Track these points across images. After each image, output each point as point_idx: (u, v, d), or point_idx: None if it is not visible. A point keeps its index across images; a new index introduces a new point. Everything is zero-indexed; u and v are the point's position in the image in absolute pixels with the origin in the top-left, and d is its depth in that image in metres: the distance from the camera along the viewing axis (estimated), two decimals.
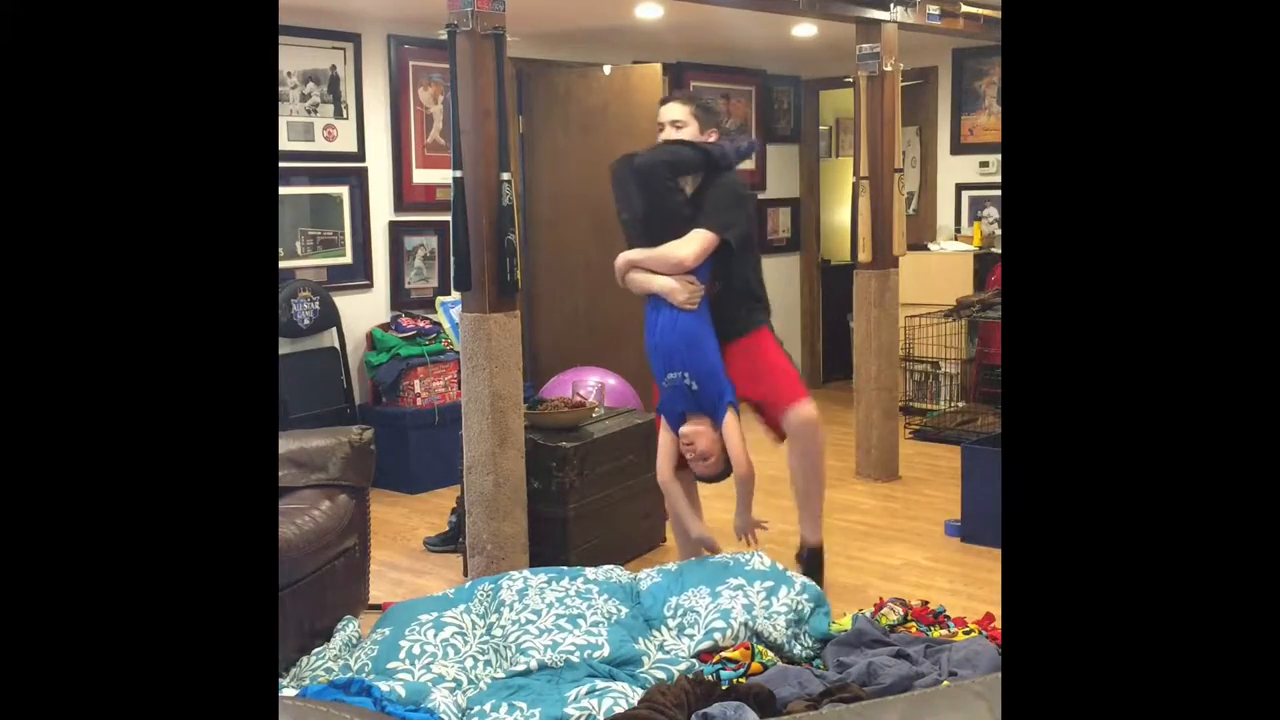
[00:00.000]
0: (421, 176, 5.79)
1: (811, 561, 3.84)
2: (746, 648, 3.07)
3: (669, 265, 3.45)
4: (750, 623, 3.13)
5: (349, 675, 2.91)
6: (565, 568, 3.47)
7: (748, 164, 7.43)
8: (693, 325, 3.46)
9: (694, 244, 3.42)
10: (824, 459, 3.77)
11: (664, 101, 3.66)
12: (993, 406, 6.36)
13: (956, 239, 7.02)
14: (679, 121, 3.54)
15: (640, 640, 3.11)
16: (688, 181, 3.48)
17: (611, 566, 3.50)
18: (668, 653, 3.10)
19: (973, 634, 3.18)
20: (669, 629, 3.21)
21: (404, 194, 5.73)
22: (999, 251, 6.72)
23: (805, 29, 6.06)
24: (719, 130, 3.62)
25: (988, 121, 6.99)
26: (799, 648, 3.14)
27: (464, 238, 3.63)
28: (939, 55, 7.00)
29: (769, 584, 3.28)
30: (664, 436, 3.66)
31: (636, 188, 3.50)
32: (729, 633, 3.11)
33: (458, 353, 4.66)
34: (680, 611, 3.24)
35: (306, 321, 5.26)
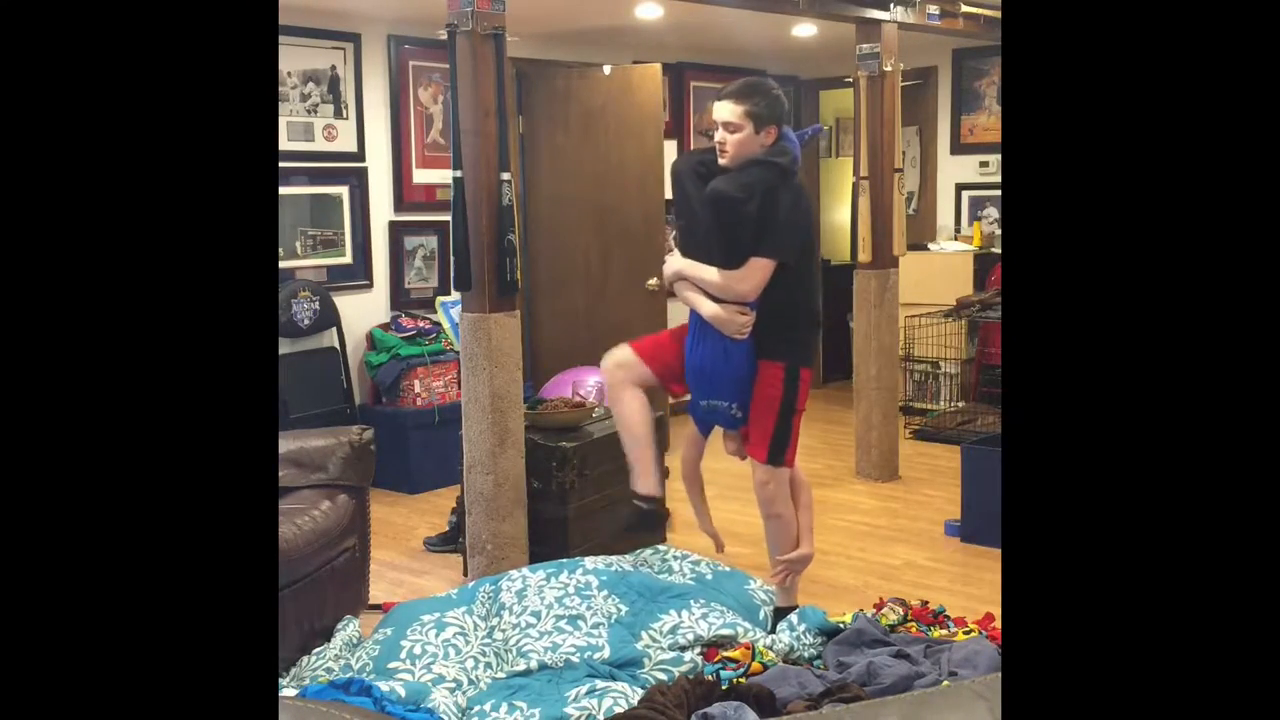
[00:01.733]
0: (421, 176, 5.79)
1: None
2: (747, 648, 3.08)
3: (730, 295, 3.24)
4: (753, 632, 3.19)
5: (349, 675, 2.91)
6: (564, 560, 3.48)
7: None
8: (741, 356, 3.29)
9: (756, 277, 3.20)
10: (785, 516, 3.43)
11: (719, 97, 3.30)
12: (993, 406, 6.35)
13: (956, 239, 7.02)
14: (731, 124, 3.22)
15: (648, 628, 3.12)
16: (755, 201, 3.21)
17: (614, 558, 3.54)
18: (675, 633, 3.12)
19: (973, 634, 3.18)
20: (688, 612, 3.23)
21: (404, 194, 5.73)
22: (999, 251, 6.72)
23: (805, 29, 6.07)
24: (778, 127, 3.28)
25: (988, 121, 6.99)
26: (801, 646, 3.15)
27: (464, 238, 3.63)
28: (939, 55, 7.00)
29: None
30: (691, 436, 3.57)
31: (705, 211, 3.26)
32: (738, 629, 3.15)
33: (458, 353, 4.66)
34: (704, 601, 3.30)
35: (306, 321, 5.26)
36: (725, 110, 3.23)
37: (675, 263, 3.37)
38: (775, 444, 3.32)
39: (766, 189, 3.18)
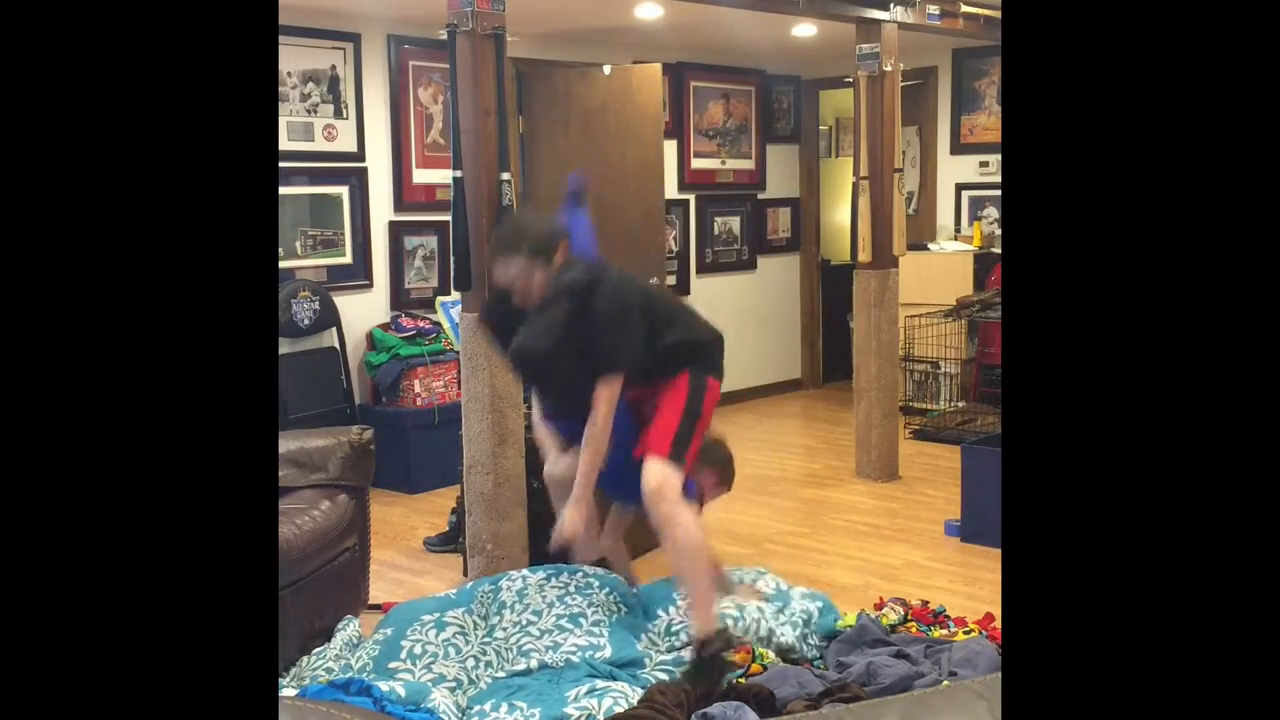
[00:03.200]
0: (421, 176, 5.79)
1: (705, 660, 2.91)
2: (747, 649, 3.08)
3: (601, 444, 3.05)
4: (759, 627, 3.15)
5: (349, 675, 2.91)
6: (563, 564, 3.47)
7: (746, 164, 7.46)
8: (621, 455, 3.08)
9: (601, 407, 3.00)
10: (679, 535, 2.98)
11: (489, 257, 3.20)
12: (993, 406, 6.35)
13: (956, 239, 7.02)
14: (520, 276, 3.06)
15: (646, 629, 3.11)
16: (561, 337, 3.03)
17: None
18: (674, 634, 3.11)
19: (973, 634, 3.18)
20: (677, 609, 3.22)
21: (404, 194, 5.73)
22: (999, 251, 6.72)
23: (805, 29, 6.07)
24: (564, 243, 3.12)
25: (988, 121, 6.98)
26: (807, 648, 3.16)
27: (464, 238, 3.63)
28: (939, 55, 7.00)
29: (777, 605, 3.31)
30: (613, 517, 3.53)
31: (545, 376, 3.17)
32: (740, 624, 3.12)
33: (458, 353, 4.66)
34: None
35: (306, 321, 5.26)
36: (507, 270, 3.08)
37: (552, 469, 3.31)
38: (678, 441, 3.05)
39: (572, 318, 2.99)
